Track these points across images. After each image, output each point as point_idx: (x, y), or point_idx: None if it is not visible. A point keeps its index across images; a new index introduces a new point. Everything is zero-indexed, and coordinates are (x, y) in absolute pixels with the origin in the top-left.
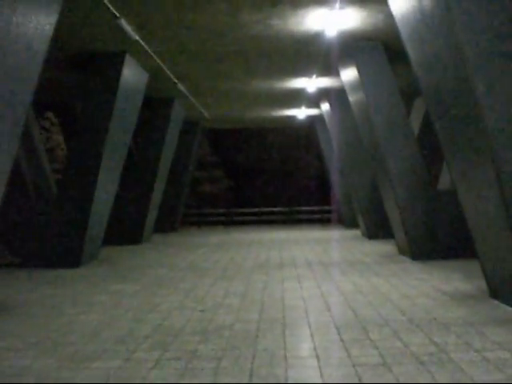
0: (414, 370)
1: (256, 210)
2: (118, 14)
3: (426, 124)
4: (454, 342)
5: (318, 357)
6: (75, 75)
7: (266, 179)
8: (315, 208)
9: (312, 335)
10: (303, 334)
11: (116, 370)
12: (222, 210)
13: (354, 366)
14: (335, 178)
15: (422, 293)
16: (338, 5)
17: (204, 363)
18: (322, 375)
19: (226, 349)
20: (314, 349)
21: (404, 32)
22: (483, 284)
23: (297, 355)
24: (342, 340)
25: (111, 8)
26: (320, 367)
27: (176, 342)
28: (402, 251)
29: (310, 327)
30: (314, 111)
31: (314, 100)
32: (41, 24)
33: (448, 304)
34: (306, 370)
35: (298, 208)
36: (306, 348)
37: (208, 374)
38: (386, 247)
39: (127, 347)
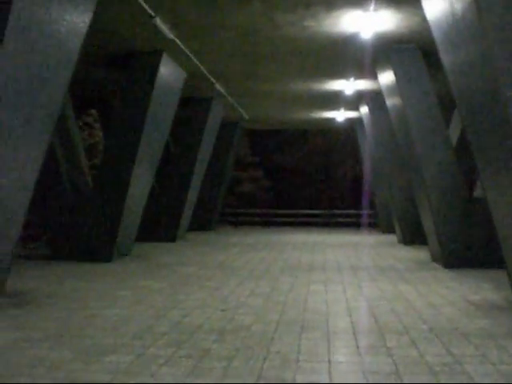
0: (425, 380)
1: (294, 211)
2: (153, 14)
3: None
4: (472, 353)
5: (329, 362)
6: (115, 73)
7: (306, 181)
8: (353, 212)
9: (328, 340)
10: (320, 338)
11: (127, 365)
12: (260, 211)
13: (364, 373)
14: (374, 183)
15: (448, 302)
16: (372, 7)
17: (214, 362)
18: (330, 381)
19: (239, 349)
20: (328, 353)
21: (437, 36)
22: None
23: (309, 359)
24: (357, 346)
25: (146, 7)
26: (330, 372)
27: (191, 340)
28: (434, 258)
29: (327, 332)
30: (353, 114)
31: (353, 103)
32: (75, 22)
33: (473, 314)
34: (315, 375)
35: (335, 211)
36: (319, 352)
37: (216, 374)
38: (420, 254)
39: (143, 343)
